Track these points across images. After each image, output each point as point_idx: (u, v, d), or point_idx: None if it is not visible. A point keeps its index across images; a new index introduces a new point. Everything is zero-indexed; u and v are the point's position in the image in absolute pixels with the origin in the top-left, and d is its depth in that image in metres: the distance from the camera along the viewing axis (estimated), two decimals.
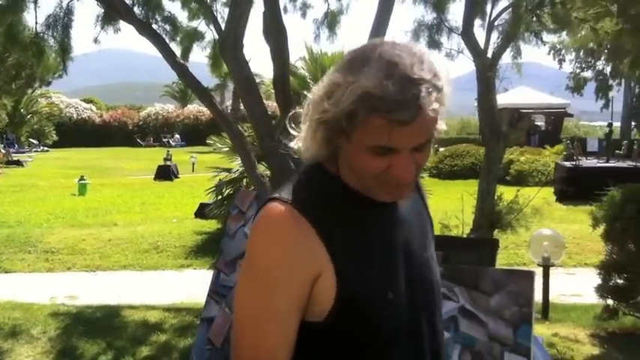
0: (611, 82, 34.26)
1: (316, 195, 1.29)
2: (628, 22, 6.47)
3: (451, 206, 7.26)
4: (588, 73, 34.64)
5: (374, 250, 1.29)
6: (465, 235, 5.72)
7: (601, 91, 35.26)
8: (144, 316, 6.44)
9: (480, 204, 5.97)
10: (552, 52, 29.44)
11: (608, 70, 32.78)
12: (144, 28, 5.88)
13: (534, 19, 6.82)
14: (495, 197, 6.16)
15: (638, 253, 5.59)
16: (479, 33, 7.47)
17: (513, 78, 9.45)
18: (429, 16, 8.14)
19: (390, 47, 1.21)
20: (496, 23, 7.40)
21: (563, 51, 29.67)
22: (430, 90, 1.16)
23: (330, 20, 8.18)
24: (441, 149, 22.20)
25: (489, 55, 7.00)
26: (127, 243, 10.49)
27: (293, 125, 1.33)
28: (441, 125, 1.25)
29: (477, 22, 7.66)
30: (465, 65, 7.42)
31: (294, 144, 1.34)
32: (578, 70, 34.23)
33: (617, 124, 35.71)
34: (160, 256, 9.95)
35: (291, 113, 1.36)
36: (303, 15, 8.73)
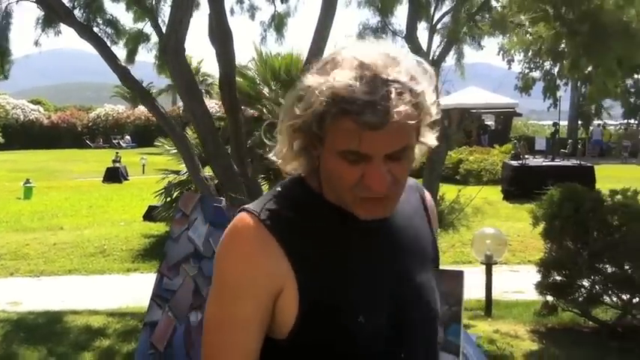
0: (558, 82, 35.14)
1: (289, 209, 1.24)
2: (564, 26, 6.66)
3: None
4: (536, 73, 35.45)
5: (348, 270, 1.23)
6: None
7: (549, 91, 36.16)
8: (87, 321, 6.34)
9: None
10: (501, 52, 30.02)
11: (555, 70, 33.63)
12: (84, 31, 5.79)
13: (472, 23, 6.97)
14: (438, 197, 6.26)
15: (575, 250, 5.75)
16: (423, 36, 7.60)
17: (462, 78, 9.62)
18: (374, 20, 8.25)
19: (366, 49, 1.16)
20: (438, 27, 7.53)
21: (512, 51, 30.29)
22: (402, 92, 1.10)
23: (278, 22, 8.19)
24: None
25: (433, 57, 7.12)
26: (73, 247, 10.29)
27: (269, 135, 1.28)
28: (429, 138, 1.19)
29: (421, 25, 7.80)
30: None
31: (271, 155, 1.28)
32: (526, 71, 34.99)
33: (565, 124, 36.71)
34: (107, 260, 9.79)
35: (265, 123, 1.33)
36: (252, 17, 8.73)
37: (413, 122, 1.11)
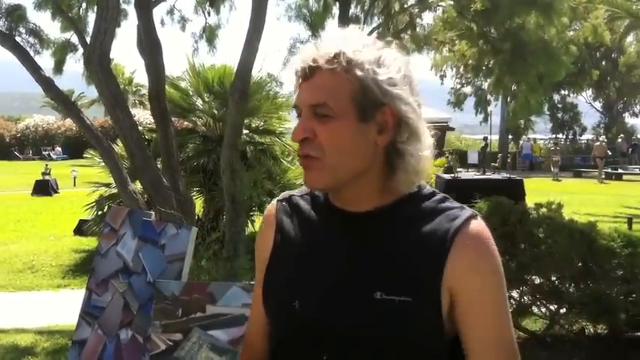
0: (489, 97, 36.26)
1: (302, 195, 1.42)
2: (488, 44, 6.89)
3: None
4: (468, 89, 36.45)
5: (305, 258, 1.33)
6: None
7: (480, 106, 37.23)
8: (14, 340, 6.12)
9: None
10: (433, 68, 30.76)
11: (485, 85, 34.69)
12: (5, 39, 5.65)
13: (399, 41, 7.16)
14: None
15: (504, 262, 5.90)
16: None
17: None
18: (305, 34, 8.36)
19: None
20: None
21: (444, 67, 31.08)
22: (333, 49, 1.22)
23: (209, 34, 8.19)
24: None
25: None
26: (0, 263, 9.93)
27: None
28: (372, 126, 1.24)
29: None
30: None
31: None
32: (458, 86, 35.94)
33: (496, 138, 37.84)
34: (35, 276, 9.47)
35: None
36: (182, 28, 8.70)
37: (338, 83, 1.22)
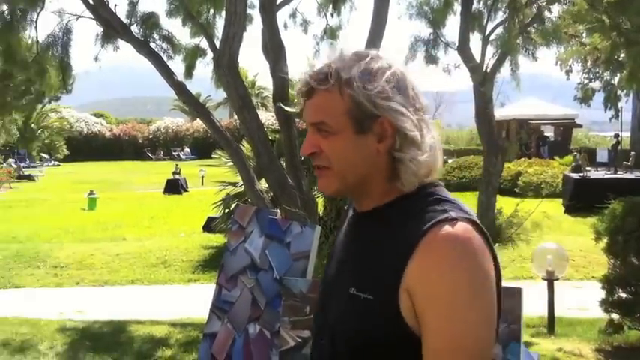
0: (619, 92, 34.08)
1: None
2: (621, 36, 6.47)
3: None
4: (596, 84, 34.45)
5: (331, 255, 1.50)
6: None
7: (609, 102, 35.03)
8: (150, 330, 6.49)
9: (480, 218, 5.97)
10: (558, 63, 29.33)
11: (615, 80, 32.64)
12: (142, 46, 5.97)
13: (525, 35, 6.85)
14: (495, 211, 6.15)
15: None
16: (476, 47, 7.52)
17: (518, 90, 9.47)
18: (426, 32, 8.23)
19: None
20: (492, 38, 7.44)
21: (570, 62, 29.55)
22: (325, 69, 1.31)
23: (330, 35, 8.27)
24: (450, 161, 22.16)
25: (486, 69, 7.03)
26: (135, 257, 10.55)
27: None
28: (371, 139, 1.31)
29: (474, 36, 7.72)
30: (466, 78, 7.47)
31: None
32: (585, 81, 34.05)
33: (627, 135, 35.49)
34: (168, 270, 10.01)
35: None
36: (305, 31, 8.84)
37: (333, 101, 1.30)
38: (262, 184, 5.99)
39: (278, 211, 3.81)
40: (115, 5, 6.45)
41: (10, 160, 35.12)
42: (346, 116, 1.30)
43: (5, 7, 7.21)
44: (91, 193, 18.24)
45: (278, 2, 6.19)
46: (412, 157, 1.31)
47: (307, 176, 5.57)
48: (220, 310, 3.50)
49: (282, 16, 9.03)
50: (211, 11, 7.45)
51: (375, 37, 5.32)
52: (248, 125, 5.16)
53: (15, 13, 7.15)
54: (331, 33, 8.36)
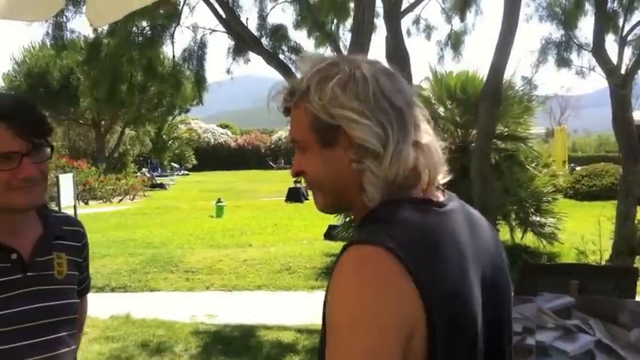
0: None
1: None
2: None
3: (589, 230, 6.87)
4: None
5: None
6: (602, 263, 5.39)
7: None
8: (277, 336, 6.63)
9: (619, 229, 5.61)
10: None
11: None
12: (271, 58, 6.14)
13: None
14: (635, 222, 5.75)
15: None
16: (612, 49, 7.11)
17: None
18: (557, 34, 7.89)
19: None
20: (629, 38, 7.00)
21: None
22: (282, 91, 1.31)
23: (454, 41, 8.14)
24: (578, 168, 21.12)
25: (623, 71, 6.61)
26: (261, 264, 10.84)
27: None
28: (331, 152, 1.25)
29: (610, 37, 7.31)
30: (596, 81, 7.08)
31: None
32: None
33: None
34: (292, 276, 10.20)
35: None
36: (428, 37, 8.76)
37: (299, 117, 1.27)
38: None
39: None
40: (247, 19, 6.71)
41: (144, 170, 37.45)
42: (310, 131, 1.26)
43: (145, 24, 7.70)
44: (219, 201, 19.03)
45: (402, 9, 6.16)
46: (371, 167, 1.21)
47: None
48: None
49: (405, 23, 9.01)
50: (335, 21, 7.57)
51: (505, 41, 5.16)
52: None
53: (155, 28, 7.62)
54: (456, 38, 8.23)
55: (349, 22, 7.32)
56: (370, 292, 1.08)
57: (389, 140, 1.20)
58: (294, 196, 22.63)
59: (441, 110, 10.77)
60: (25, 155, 1.58)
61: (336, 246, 11.45)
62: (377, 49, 6.45)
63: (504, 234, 10.00)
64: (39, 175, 1.62)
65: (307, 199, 22.79)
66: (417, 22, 8.72)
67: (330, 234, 12.31)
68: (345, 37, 7.59)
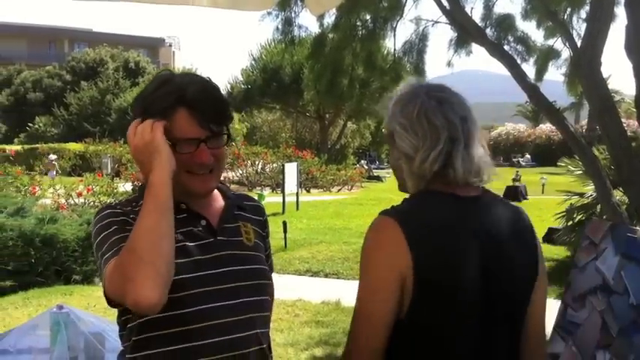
0: None
1: None
2: None
3: None
4: None
5: None
6: None
7: None
8: None
9: None
10: None
11: None
12: (495, 49, 5.89)
13: None
14: None
15: None
16: None
17: None
18: None
19: None
20: None
21: None
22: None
23: None
24: None
25: None
26: None
27: None
28: None
29: None
30: None
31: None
32: None
33: None
34: None
35: None
36: None
37: None
38: (620, 197, 5.46)
39: (638, 228, 3.41)
40: (472, 8, 6.54)
41: (362, 162, 38.68)
42: (387, 135, 1.78)
43: (368, 17, 7.85)
44: None
45: None
46: (406, 166, 1.68)
47: None
48: (565, 330, 3.27)
49: None
50: (568, 10, 7.05)
51: None
52: (608, 130, 4.71)
53: (377, 21, 7.74)
54: None
55: (584, 10, 6.77)
56: (374, 247, 1.58)
57: (420, 148, 1.60)
58: (512, 194, 21.75)
59: None
60: (202, 141, 1.64)
61: (556, 250, 10.80)
62: (613, 40, 5.88)
63: None
64: (213, 162, 1.67)
65: (526, 199, 21.82)
66: None
67: (550, 237, 11.62)
68: (580, 26, 7.01)
